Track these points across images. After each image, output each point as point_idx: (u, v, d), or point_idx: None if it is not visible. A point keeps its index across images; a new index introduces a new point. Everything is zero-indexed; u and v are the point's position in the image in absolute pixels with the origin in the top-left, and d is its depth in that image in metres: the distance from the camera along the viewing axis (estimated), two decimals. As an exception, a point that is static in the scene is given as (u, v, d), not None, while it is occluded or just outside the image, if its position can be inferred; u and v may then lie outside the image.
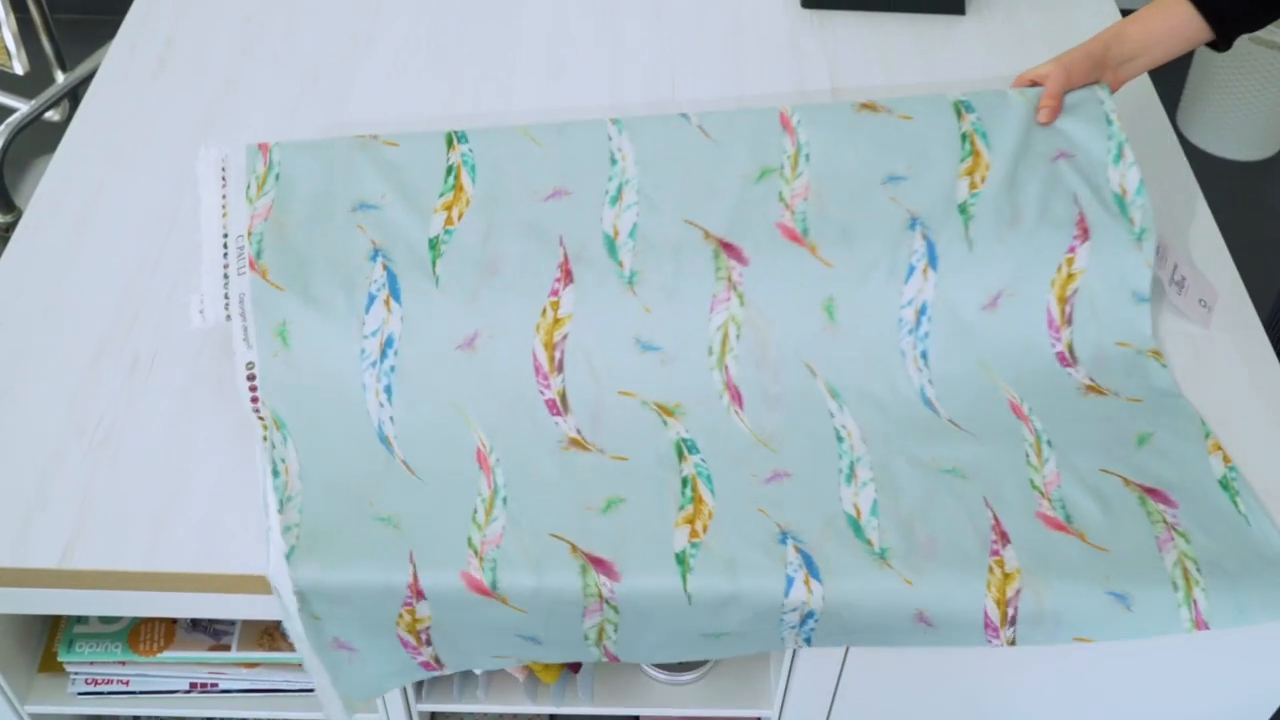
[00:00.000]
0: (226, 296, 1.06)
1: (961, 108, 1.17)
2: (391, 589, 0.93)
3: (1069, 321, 1.09)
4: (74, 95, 2.25)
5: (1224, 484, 1.01)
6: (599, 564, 0.94)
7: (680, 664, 1.22)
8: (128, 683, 1.18)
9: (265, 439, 1.00)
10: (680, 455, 1.01)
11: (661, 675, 1.22)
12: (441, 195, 1.11)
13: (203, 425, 1.07)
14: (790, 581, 0.94)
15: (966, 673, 1.09)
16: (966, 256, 1.10)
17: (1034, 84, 1.19)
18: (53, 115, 2.25)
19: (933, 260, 1.09)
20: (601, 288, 1.08)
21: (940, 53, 1.45)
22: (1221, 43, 1.15)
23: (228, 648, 1.15)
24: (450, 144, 1.15)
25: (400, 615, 0.93)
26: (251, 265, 1.07)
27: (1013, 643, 0.94)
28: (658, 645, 0.98)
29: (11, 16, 2.00)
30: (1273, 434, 1.09)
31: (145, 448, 1.04)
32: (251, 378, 1.03)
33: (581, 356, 1.05)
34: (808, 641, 0.97)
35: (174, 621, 1.16)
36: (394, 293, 1.05)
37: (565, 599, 0.94)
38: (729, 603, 0.94)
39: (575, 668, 1.20)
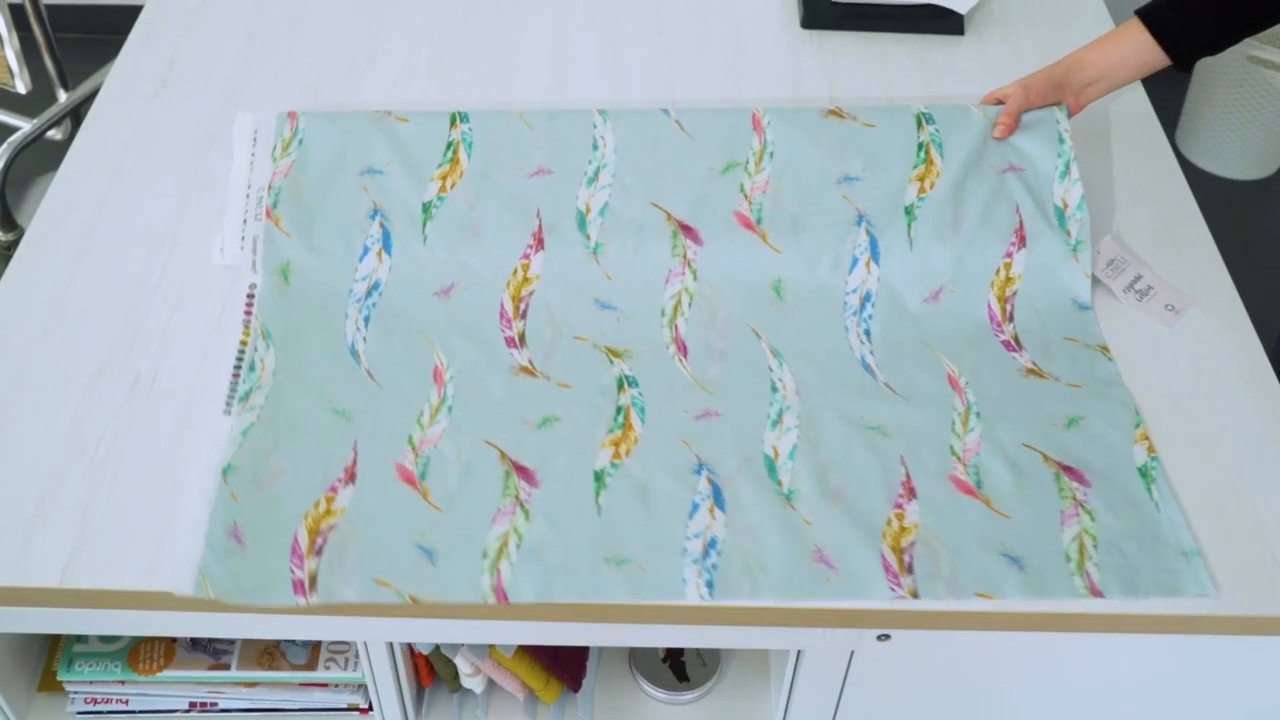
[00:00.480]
0: (244, 238, 1.20)
1: (923, 119, 1.27)
2: (327, 470, 1.03)
3: (1010, 318, 1.17)
4: (76, 114, 2.25)
5: (1143, 471, 1.06)
6: (522, 471, 1.03)
7: (680, 682, 1.22)
8: (127, 702, 1.17)
9: (244, 342, 1.12)
10: (620, 388, 1.10)
11: (661, 694, 1.22)
12: (439, 167, 1.24)
13: (203, 444, 1.07)
14: (695, 507, 1.01)
15: (967, 696, 1.09)
16: (907, 254, 1.19)
17: (999, 102, 1.28)
18: (55, 134, 2.26)
19: (875, 255, 1.19)
20: (568, 255, 1.19)
21: (939, 73, 1.46)
22: (1180, 67, 1.20)
23: (227, 667, 1.15)
24: (454, 122, 1.27)
25: (317, 503, 1.00)
26: (268, 213, 1.20)
27: (915, 594, 0.97)
28: (557, 570, 0.98)
29: (14, 35, 2.00)
30: (1274, 454, 1.09)
31: (145, 466, 1.05)
32: (251, 297, 1.17)
33: (544, 308, 1.16)
34: (710, 587, 0.97)
35: (173, 640, 1.16)
36: (386, 247, 1.19)
37: (482, 499, 1.01)
38: (635, 521, 1.00)
39: (576, 687, 1.20)
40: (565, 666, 1.19)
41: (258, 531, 0.99)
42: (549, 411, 1.08)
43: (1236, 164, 2.55)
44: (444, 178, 1.23)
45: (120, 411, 1.08)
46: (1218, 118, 2.50)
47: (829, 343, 1.14)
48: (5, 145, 2.18)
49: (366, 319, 1.14)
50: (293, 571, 0.97)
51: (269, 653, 1.16)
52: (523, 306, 1.16)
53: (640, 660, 1.24)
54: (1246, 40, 2.37)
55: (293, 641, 1.17)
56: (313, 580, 0.97)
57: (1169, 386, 1.14)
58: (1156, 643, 1.03)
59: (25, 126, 2.21)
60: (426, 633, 1.03)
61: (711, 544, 0.99)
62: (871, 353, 1.14)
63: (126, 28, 1.55)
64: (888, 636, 1.02)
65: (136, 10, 1.61)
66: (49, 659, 1.20)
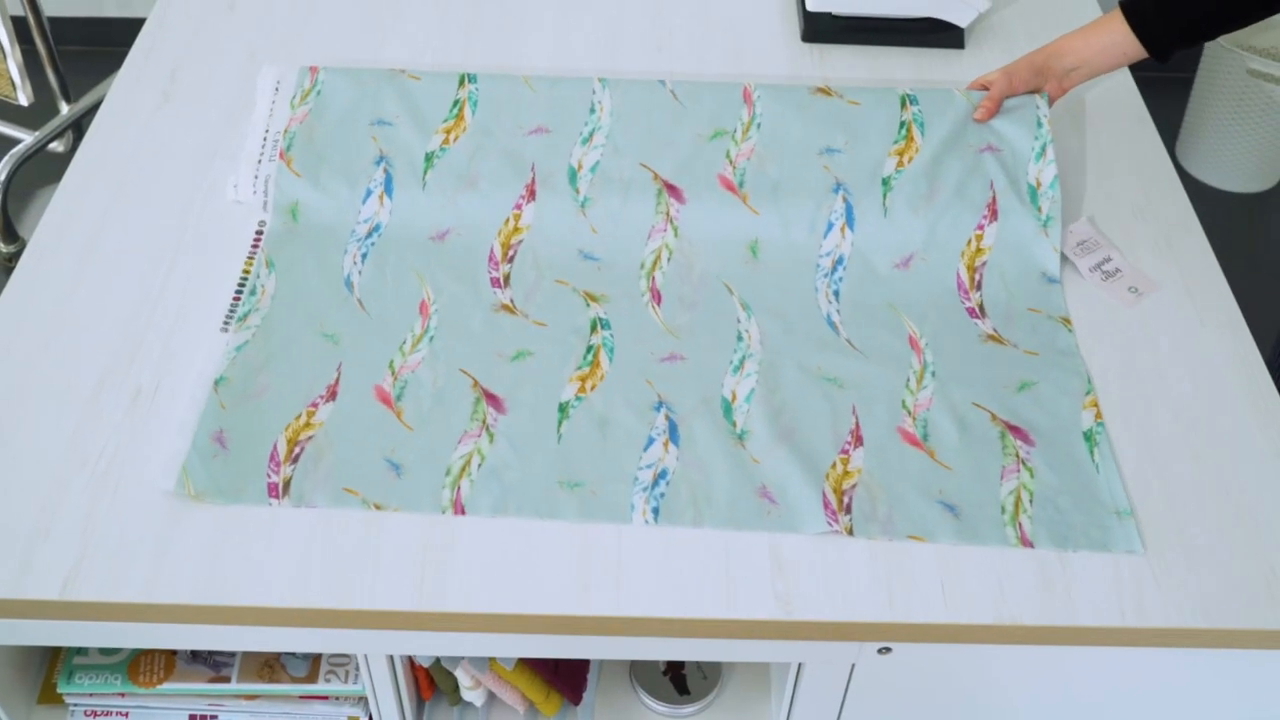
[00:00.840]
0: (256, 177, 1.28)
1: (907, 100, 1.33)
2: (311, 387, 1.10)
3: (978, 286, 1.21)
4: (78, 126, 2.26)
5: (1087, 436, 1.10)
6: (491, 399, 1.10)
7: (681, 695, 1.22)
8: (127, 714, 1.17)
9: (246, 271, 1.20)
10: (593, 329, 1.17)
11: (662, 707, 1.22)
12: (444, 121, 1.32)
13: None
14: (651, 441, 1.07)
15: (969, 710, 1.09)
16: (881, 221, 1.24)
17: (984, 88, 1.33)
18: (56, 146, 2.27)
19: (850, 221, 1.24)
20: (558, 208, 1.25)
21: (939, 86, 1.46)
22: (1157, 59, 1.24)
23: (228, 679, 1.15)
24: (462, 83, 1.35)
25: (298, 416, 1.08)
26: (281, 155, 1.28)
27: (850, 531, 1.02)
28: (512, 488, 1.04)
29: (17, 48, 2.01)
30: (1275, 467, 1.09)
31: (146, 479, 1.05)
32: (259, 233, 1.24)
33: (530, 255, 1.23)
34: (655, 513, 1.02)
35: (174, 653, 1.16)
36: (388, 191, 1.26)
37: (451, 422, 1.08)
38: (592, 450, 1.06)
39: (576, 700, 1.20)
40: (566, 679, 1.19)
41: (241, 438, 1.06)
42: (523, 346, 1.14)
43: (1236, 177, 2.56)
44: (448, 131, 1.30)
45: (122, 424, 1.09)
46: (1218, 131, 2.51)
47: (797, 300, 1.20)
48: (7, 157, 2.18)
49: (364, 256, 1.22)
50: (269, 476, 1.04)
51: (269, 665, 1.16)
52: (511, 252, 1.23)
53: (641, 673, 1.24)
54: (1246, 53, 2.37)
55: (293, 654, 1.17)
56: (286, 485, 1.04)
57: (1169, 399, 1.14)
58: (1157, 656, 1.03)
59: (27, 139, 2.21)
60: (427, 645, 1.03)
61: (662, 475, 1.05)
62: (838, 311, 1.19)
63: (128, 41, 1.55)
64: (888, 650, 1.02)
65: (138, 23, 1.61)
66: (49, 671, 1.20)
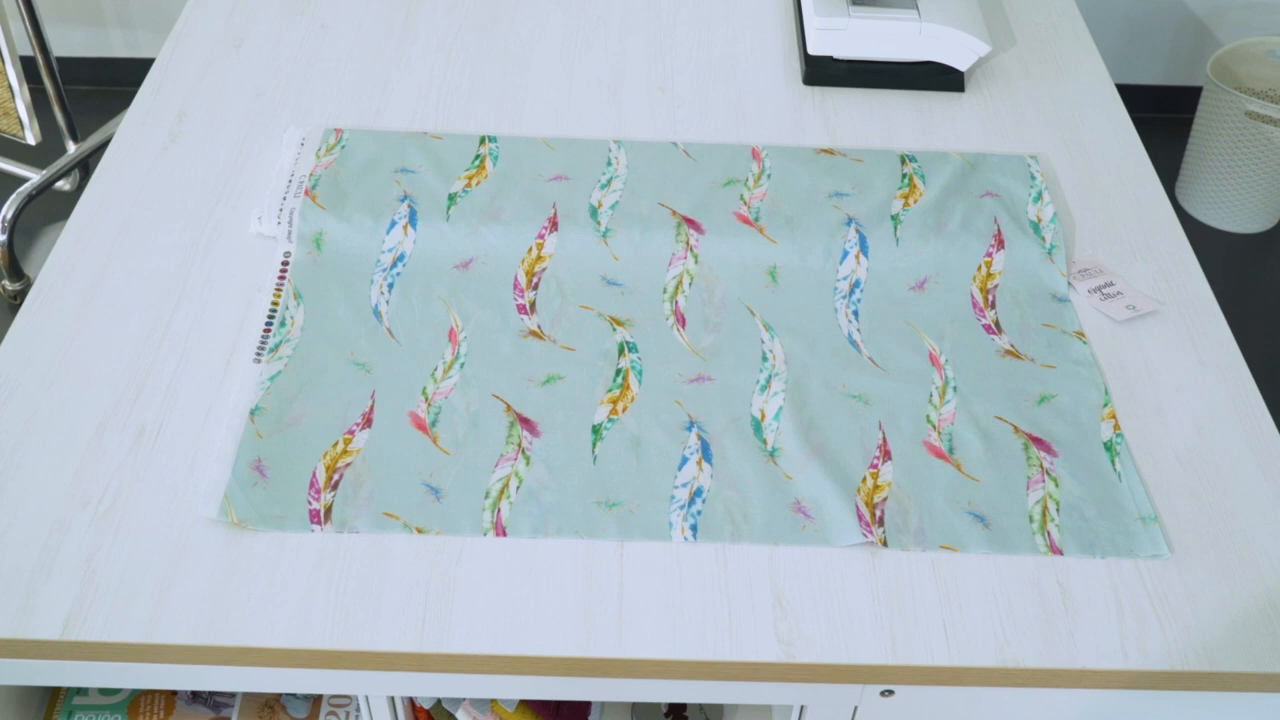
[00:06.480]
0: (281, 211, 1.31)
1: (906, 158, 1.41)
2: (347, 414, 1.12)
3: (992, 305, 1.26)
4: (85, 165, 2.28)
5: (1108, 446, 1.14)
6: (526, 422, 1.13)
7: (682, 738, 1.22)
8: (126, 755, 1.17)
9: (274, 303, 1.22)
10: (621, 352, 1.20)
11: (663, 750, 1.21)
12: (467, 170, 1.38)
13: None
14: (684, 460, 1.10)
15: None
16: (894, 250, 1.30)
17: None
18: (63, 185, 2.28)
19: (864, 249, 1.30)
20: (580, 238, 1.30)
21: (940, 129, 1.47)
22: None
23: (227, 720, 1.15)
24: (482, 141, 1.43)
25: (335, 444, 1.10)
26: (306, 193, 1.33)
27: (884, 543, 1.05)
28: (551, 509, 1.06)
29: (25, 87, 2.03)
30: (1276, 508, 1.09)
31: (148, 519, 1.05)
32: (284, 265, 1.27)
33: (554, 282, 1.27)
34: (694, 530, 1.05)
35: (174, 693, 1.16)
36: (413, 222, 1.30)
37: (487, 445, 1.10)
38: (628, 470, 1.09)
39: (576, 742, 1.19)
40: (567, 721, 1.19)
41: (279, 466, 1.08)
42: (553, 371, 1.17)
43: (1236, 218, 2.57)
44: (470, 178, 1.36)
45: (124, 464, 1.09)
46: (1217, 172, 2.52)
47: (818, 320, 1.24)
48: (14, 195, 2.20)
49: (390, 285, 1.25)
50: (310, 503, 1.06)
51: (270, 706, 1.16)
52: (535, 280, 1.26)
53: (643, 714, 1.24)
54: (1245, 95, 2.39)
55: (294, 695, 1.16)
56: (328, 511, 1.05)
57: (1170, 441, 1.14)
58: (1158, 698, 1.02)
59: (35, 177, 2.23)
60: (429, 686, 1.03)
61: (698, 493, 1.08)
62: (858, 330, 1.23)
63: (135, 80, 1.57)
64: (891, 692, 1.02)
65: (146, 63, 1.63)
66: (48, 711, 1.20)
